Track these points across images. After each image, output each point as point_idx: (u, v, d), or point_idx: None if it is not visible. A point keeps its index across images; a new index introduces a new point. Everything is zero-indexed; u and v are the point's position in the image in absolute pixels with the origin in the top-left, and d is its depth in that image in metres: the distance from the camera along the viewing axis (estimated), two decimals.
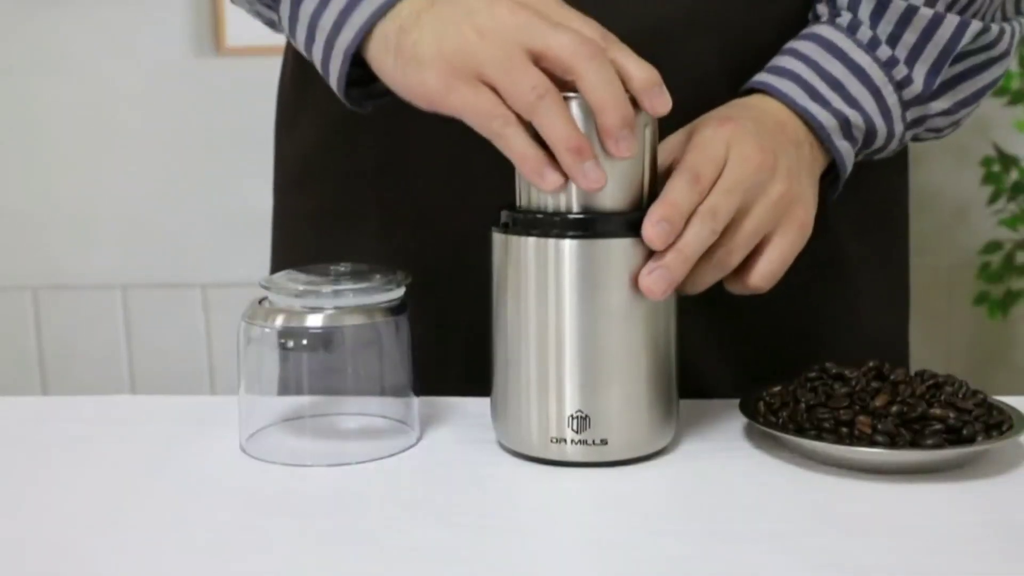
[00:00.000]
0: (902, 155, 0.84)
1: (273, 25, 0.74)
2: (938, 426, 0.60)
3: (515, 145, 0.59)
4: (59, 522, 0.56)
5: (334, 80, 0.65)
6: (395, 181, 0.79)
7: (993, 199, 1.37)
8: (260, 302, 0.65)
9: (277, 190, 0.89)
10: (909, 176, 0.87)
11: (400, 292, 0.66)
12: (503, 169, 0.62)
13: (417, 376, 0.67)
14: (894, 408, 0.61)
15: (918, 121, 0.73)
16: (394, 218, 0.80)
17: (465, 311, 0.75)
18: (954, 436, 0.60)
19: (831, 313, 0.81)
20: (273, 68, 0.88)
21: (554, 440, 0.61)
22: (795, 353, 0.76)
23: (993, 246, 1.39)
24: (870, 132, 0.70)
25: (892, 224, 0.85)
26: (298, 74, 0.84)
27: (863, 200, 0.79)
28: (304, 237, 0.85)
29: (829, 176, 0.71)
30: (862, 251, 0.82)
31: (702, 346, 0.76)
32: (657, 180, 0.62)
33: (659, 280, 0.59)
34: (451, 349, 0.78)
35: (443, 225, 0.78)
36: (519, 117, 0.59)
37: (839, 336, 0.81)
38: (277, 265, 0.86)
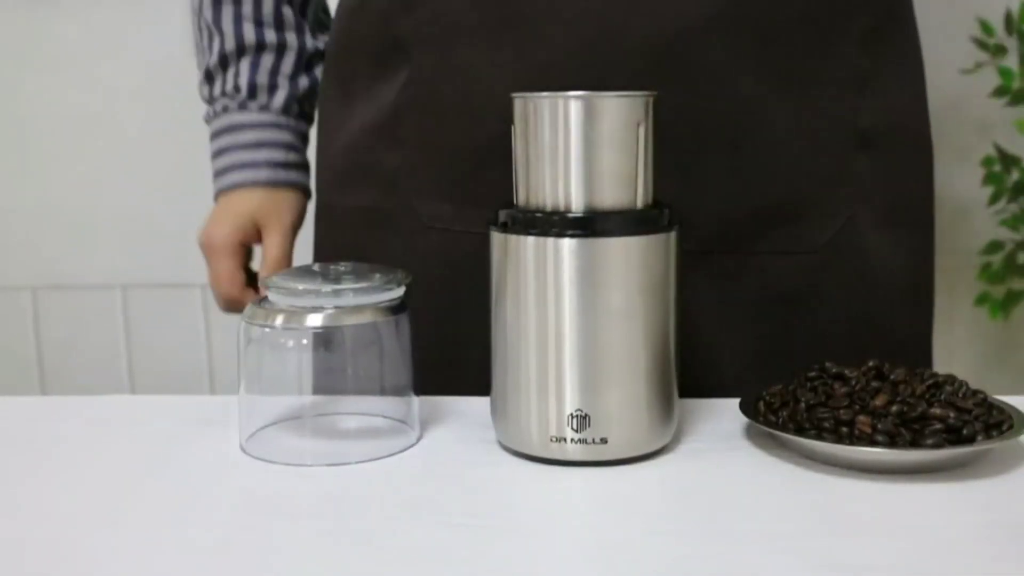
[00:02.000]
0: (927, 149, 0.84)
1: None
2: (938, 426, 0.60)
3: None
4: (59, 522, 0.56)
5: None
6: (428, 181, 0.80)
7: (994, 199, 1.37)
8: (260, 302, 0.65)
9: (322, 189, 0.91)
10: (934, 172, 0.86)
11: (400, 292, 0.66)
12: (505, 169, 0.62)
13: (417, 376, 0.67)
14: (894, 408, 0.60)
15: None
16: (425, 215, 0.80)
17: (467, 311, 0.75)
18: (954, 436, 0.60)
19: (857, 311, 0.80)
20: None
21: (554, 439, 0.61)
22: (817, 351, 0.77)
23: (994, 246, 1.39)
24: None
25: (919, 221, 0.85)
26: (338, 81, 0.86)
27: (891, 195, 0.80)
28: (345, 235, 0.87)
29: None
30: (889, 249, 0.82)
31: (725, 342, 0.77)
32: (651, 178, 0.62)
33: None
34: (451, 349, 0.78)
35: (472, 219, 0.78)
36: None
37: (863, 333, 0.81)
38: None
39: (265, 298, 0.65)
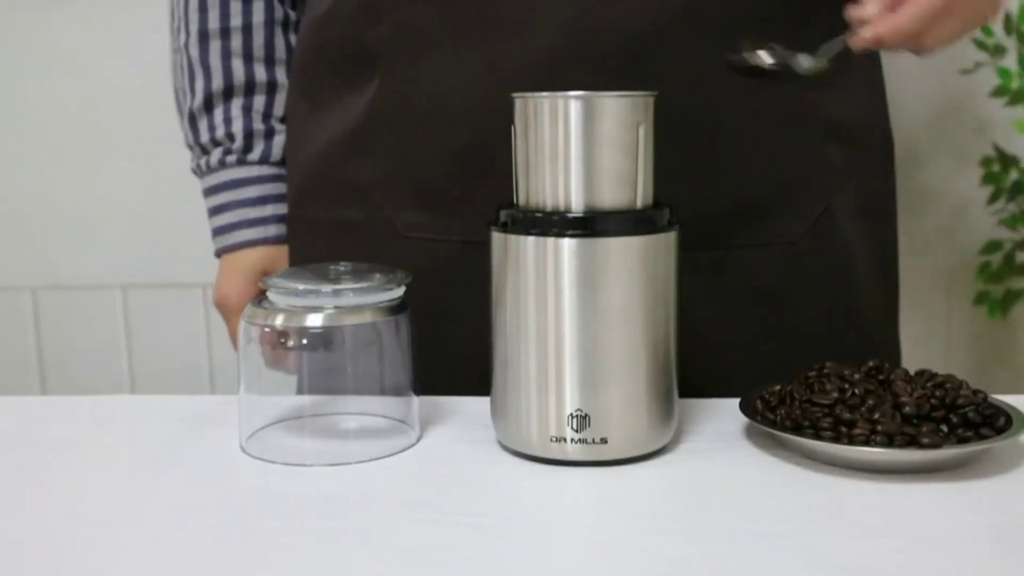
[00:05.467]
0: (888, 141, 0.87)
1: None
2: (937, 426, 0.60)
3: None
4: (59, 522, 0.56)
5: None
6: (401, 191, 0.80)
7: (993, 199, 1.37)
8: (260, 302, 0.65)
9: (293, 202, 0.90)
10: (895, 166, 0.88)
11: (400, 292, 0.66)
12: (503, 168, 0.62)
13: (417, 376, 0.67)
14: (894, 408, 0.61)
15: None
16: (400, 225, 0.80)
17: (465, 311, 0.75)
18: (954, 436, 0.60)
19: (835, 301, 0.81)
20: None
21: (554, 439, 0.61)
22: (798, 342, 0.77)
23: (993, 246, 1.39)
24: None
25: (885, 212, 0.87)
26: (305, 92, 0.86)
27: (860, 186, 0.81)
28: (319, 247, 0.86)
29: None
30: (861, 241, 0.83)
31: (709, 337, 0.77)
32: (651, 178, 0.62)
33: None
34: (451, 348, 0.78)
35: (447, 227, 0.78)
36: None
37: (839, 324, 0.81)
38: None
39: (265, 298, 0.65)
